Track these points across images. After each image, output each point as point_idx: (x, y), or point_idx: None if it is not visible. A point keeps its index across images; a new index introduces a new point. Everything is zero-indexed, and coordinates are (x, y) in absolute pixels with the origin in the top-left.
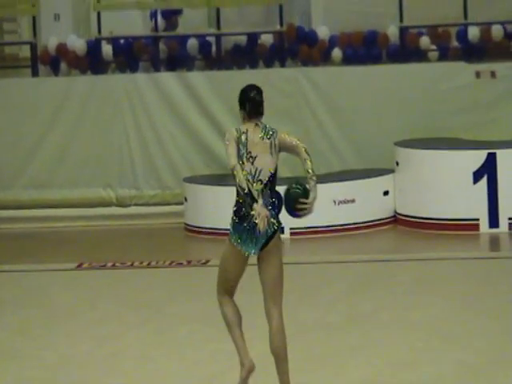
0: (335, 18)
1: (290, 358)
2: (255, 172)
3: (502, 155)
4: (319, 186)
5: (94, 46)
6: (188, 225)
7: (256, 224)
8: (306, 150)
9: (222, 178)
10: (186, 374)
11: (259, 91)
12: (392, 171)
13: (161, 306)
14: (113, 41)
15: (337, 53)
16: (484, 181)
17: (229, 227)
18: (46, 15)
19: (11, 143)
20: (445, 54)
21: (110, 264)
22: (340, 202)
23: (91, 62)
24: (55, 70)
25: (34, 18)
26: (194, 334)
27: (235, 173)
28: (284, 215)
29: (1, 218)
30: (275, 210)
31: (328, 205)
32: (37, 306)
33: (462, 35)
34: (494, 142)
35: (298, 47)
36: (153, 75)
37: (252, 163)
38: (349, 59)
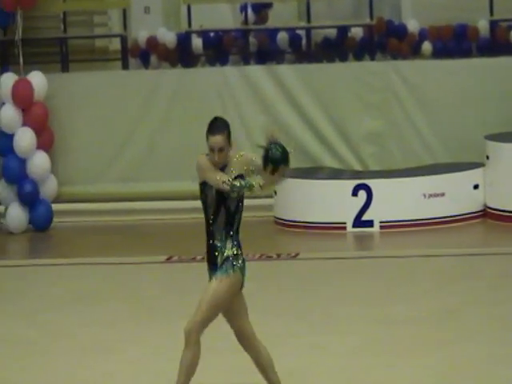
0: (425, 11)
1: (379, 352)
2: None
3: None
4: (409, 179)
5: (183, 39)
6: (277, 218)
7: None
8: None
9: (312, 172)
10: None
11: None
12: (482, 165)
13: (249, 299)
14: (203, 34)
15: (426, 46)
16: None
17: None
18: (137, 8)
19: (101, 136)
20: None
21: (199, 257)
22: (430, 196)
23: (181, 55)
24: (145, 63)
25: (124, 11)
26: (282, 328)
27: (233, 183)
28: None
29: (91, 211)
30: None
31: (417, 198)
32: (125, 300)
33: None
34: None
35: (387, 40)
36: (242, 68)
37: None
38: (438, 52)
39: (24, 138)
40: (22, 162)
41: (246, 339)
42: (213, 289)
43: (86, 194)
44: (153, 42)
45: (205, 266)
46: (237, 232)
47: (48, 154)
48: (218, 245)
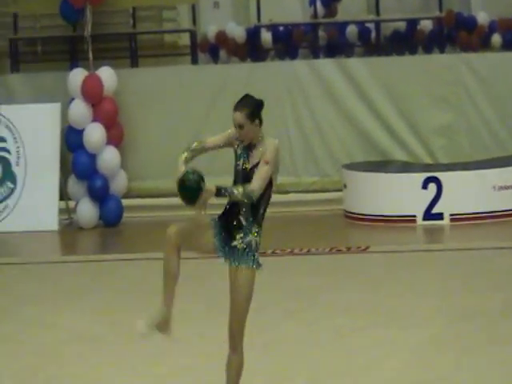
0: (494, 3)
1: (450, 347)
2: None
3: None
4: (479, 171)
5: (253, 34)
6: (347, 211)
7: None
8: None
9: (381, 165)
10: (341, 362)
11: None
12: None
13: (319, 293)
14: (272, 28)
15: (496, 38)
16: None
17: None
18: (206, 3)
19: (170, 131)
20: None
21: (269, 251)
22: (499, 188)
23: (250, 49)
24: (214, 58)
25: (193, 6)
26: (352, 322)
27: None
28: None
29: (160, 206)
30: None
31: (487, 191)
32: (197, 294)
33: None
34: None
35: (456, 33)
36: (312, 62)
37: None
38: (508, 45)
39: (94, 134)
40: (92, 157)
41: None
42: (244, 291)
43: (156, 189)
44: (222, 37)
45: (275, 260)
46: (261, 219)
47: (118, 149)
48: (244, 223)
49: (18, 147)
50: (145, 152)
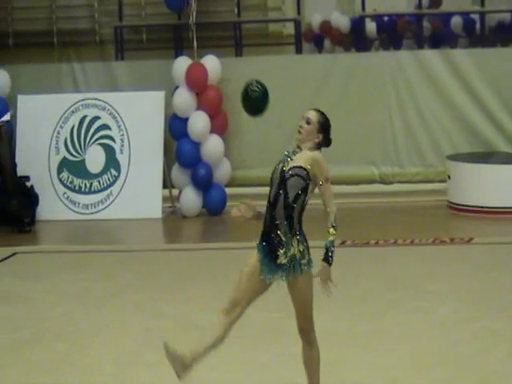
0: None
1: None
2: None
3: None
4: None
5: (357, 24)
6: (451, 202)
7: None
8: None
9: (486, 156)
10: (446, 352)
11: None
12: None
13: (422, 283)
14: (376, 18)
15: None
16: None
17: None
18: None
19: (274, 120)
20: None
21: (372, 241)
22: None
23: (355, 39)
24: (319, 47)
25: None
26: (456, 313)
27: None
28: None
29: (264, 195)
30: None
31: None
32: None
33: None
34: None
35: None
36: (416, 53)
37: None
38: None
39: (198, 122)
40: (196, 145)
41: (302, 330)
42: (304, 298)
43: (259, 178)
44: (326, 27)
45: (378, 250)
46: (300, 228)
47: (222, 137)
48: (283, 239)
49: (122, 135)
50: (248, 141)
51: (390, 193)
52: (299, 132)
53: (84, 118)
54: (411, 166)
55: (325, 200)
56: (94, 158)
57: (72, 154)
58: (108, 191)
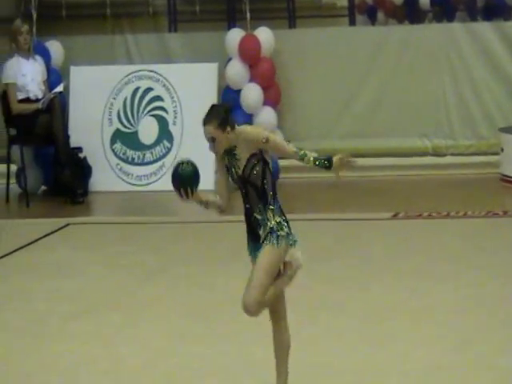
0: None
1: None
2: None
3: None
4: None
5: None
6: (504, 175)
7: None
8: None
9: None
10: (494, 328)
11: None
12: None
13: (471, 257)
14: None
15: None
16: None
17: None
18: None
19: (327, 92)
20: None
21: (425, 214)
22: None
23: (408, 11)
24: (372, 20)
25: None
26: (507, 288)
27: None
28: None
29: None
30: None
31: None
32: (351, 256)
33: None
34: None
35: None
36: (469, 25)
37: None
38: None
39: (251, 94)
40: (249, 117)
41: (276, 312)
42: (263, 262)
43: (313, 150)
44: None
45: (431, 222)
46: (274, 199)
47: (274, 109)
48: (259, 218)
49: (175, 106)
50: (301, 113)
51: (443, 165)
52: (216, 152)
53: (137, 89)
54: (464, 139)
55: (279, 150)
56: (147, 130)
57: (125, 126)
58: (160, 163)
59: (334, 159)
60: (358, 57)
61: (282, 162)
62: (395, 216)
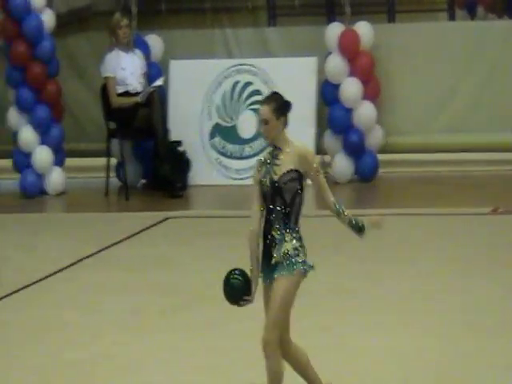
0: None
1: None
2: None
3: None
4: None
5: None
6: None
7: None
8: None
9: None
10: None
11: None
12: None
13: None
14: None
15: None
16: None
17: None
18: None
19: (427, 86)
20: None
21: None
22: None
23: (508, 6)
24: (471, 14)
25: None
26: None
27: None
28: None
29: (416, 162)
30: None
31: None
32: (444, 250)
33: None
34: None
35: None
36: None
37: None
38: None
39: (350, 88)
40: (349, 111)
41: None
42: (278, 298)
43: (412, 145)
44: None
45: None
46: (296, 224)
47: (374, 104)
48: (276, 237)
49: None
50: (401, 107)
51: None
52: (265, 136)
53: (236, 83)
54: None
55: (322, 190)
56: (246, 124)
57: (224, 120)
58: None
59: (366, 223)
60: (458, 52)
61: (381, 157)
62: (494, 211)
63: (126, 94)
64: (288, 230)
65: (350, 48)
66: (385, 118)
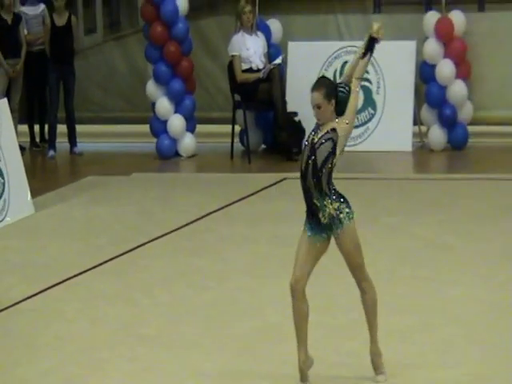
0: None
1: None
2: None
3: None
4: None
5: None
6: None
7: None
8: None
9: None
10: None
11: None
12: None
13: None
14: None
15: None
16: None
17: None
18: None
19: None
20: None
21: None
22: None
23: None
24: None
25: None
26: None
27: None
28: None
29: (502, 133)
30: None
31: None
32: None
33: None
34: None
35: None
36: None
37: None
38: None
39: (445, 69)
40: (443, 89)
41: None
42: (348, 249)
43: (499, 118)
44: None
45: None
46: (328, 188)
47: (465, 83)
48: (318, 204)
49: (378, 78)
50: (490, 86)
51: None
52: (318, 119)
53: (345, 63)
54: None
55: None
56: None
57: None
58: (366, 127)
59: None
60: None
61: (471, 128)
62: None
63: (250, 70)
64: (325, 196)
65: (445, 33)
66: (475, 94)
